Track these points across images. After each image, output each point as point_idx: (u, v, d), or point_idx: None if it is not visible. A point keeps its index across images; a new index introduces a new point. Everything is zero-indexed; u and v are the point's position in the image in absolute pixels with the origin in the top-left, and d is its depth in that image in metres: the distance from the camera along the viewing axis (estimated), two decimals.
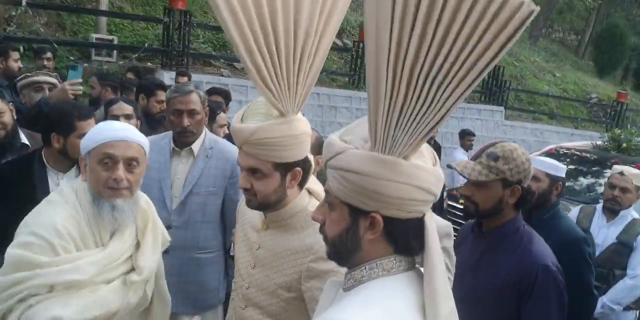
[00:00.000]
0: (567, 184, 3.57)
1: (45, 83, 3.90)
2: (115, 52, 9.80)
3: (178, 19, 9.56)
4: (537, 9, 1.08)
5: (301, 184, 1.86)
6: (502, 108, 14.01)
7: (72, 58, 8.78)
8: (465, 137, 9.03)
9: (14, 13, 8.94)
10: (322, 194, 1.58)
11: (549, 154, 6.47)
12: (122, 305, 1.99)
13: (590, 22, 24.13)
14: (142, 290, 2.10)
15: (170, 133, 3.06)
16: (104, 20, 9.94)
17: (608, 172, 5.86)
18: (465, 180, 2.36)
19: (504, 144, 2.27)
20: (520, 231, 2.31)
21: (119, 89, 5.48)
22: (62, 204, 2.01)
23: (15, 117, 3.14)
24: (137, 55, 9.63)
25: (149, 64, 9.82)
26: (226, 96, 5.22)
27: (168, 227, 2.87)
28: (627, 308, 3.72)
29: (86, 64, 6.93)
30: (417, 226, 1.25)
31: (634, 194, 3.74)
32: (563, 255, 2.38)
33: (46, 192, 2.48)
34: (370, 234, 1.24)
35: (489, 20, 1.08)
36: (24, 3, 8.40)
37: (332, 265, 1.66)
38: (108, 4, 10.15)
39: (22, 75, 4.01)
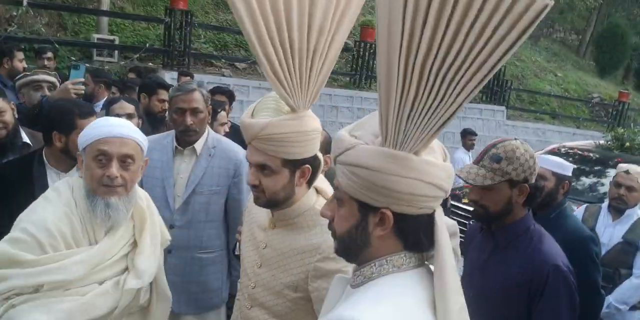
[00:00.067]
0: None
1: (44, 82, 3.87)
2: (116, 52, 9.80)
3: (179, 19, 9.56)
4: (551, 3, 1.07)
5: (310, 182, 1.84)
6: (503, 108, 14.01)
7: (73, 58, 8.77)
8: (467, 137, 9.00)
9: (15, 13, 8.93)
10: (330, 193, 1.56)
11: (551, 153, 6.45)
12: (110, 310, 1.95)
13: (591, 22, 24.11)
14: (135, 292, 2.06)
15: (172, 132, 3.04)
16: (105, 20, 9.94)
17: (611, 172, 5.88)
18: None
19: (505, 143, 2.21)
20: (530, 230, 2.27)
21: (111, 85, 5.47)
22: (56, 201, 1.99)
23: (16, 116, 3.11)
24: (138, 55, 9.63)
25: (150, 64, 9.81)
26: (230, 96, 5.20)
27: (171, 227, 2.86)
28: (634, 308, 3.69)
29: (87, 64, 6.91)
30: (428, 222, 1.25)
31: (639, 192, 3.72)
32: (569, 254, 2.34)
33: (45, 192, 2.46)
34: (380, 230, 1.24)
35: (502, 16, 1.07)
36: (25, 3, 8.39)
37: (339, 265, 1.65)
38: (109, 4, 10.14)
39: (21, 75, 3.99)
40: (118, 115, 3.37)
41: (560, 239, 2.39)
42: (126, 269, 2.05)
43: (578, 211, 4.03)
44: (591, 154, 6.69)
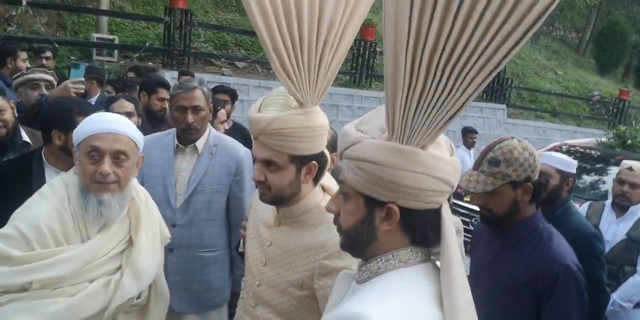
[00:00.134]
0: None
1: (42, 80, 3.85)
2: (116, 51, 9.77)
3: (179, 18, 9.54)
4: None
5: (316, 180, 1.83)
6: (504, 106, 14.01)
7: (73, 58, 8.75)
8: (468, 135, 8.98)
9: (14, 13, 8.91)
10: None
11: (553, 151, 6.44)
12: (99, 311, 1.91)
13: (591, 20, 24.08)
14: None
15: (174, 130, 3.02)
16: (104, 19, 9.92)
17: (612, 169, 5.87)
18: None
19: (502, 145, 2.17)
20: (539, 228, 2.23)
21: (104, 82, 5.45)
22: (49, 197, 1.97)
23: (16, 115, 3.10)
24: (138, 54, 9.62)
25: (150, 63, 9.80)
26: (233, 95, 5.18)
27: (172, 226, 2.85)
28: (638, 305, 3.67)
29: (87, 64, 6.90)
30: (435, 217, 1.24)
31: None
32: (574, 251, 2.33)
33: None
34: (387, 225, 1.23)
35: (510, 9, 1.06)
36: (24, 3, 8.37)
37: (345, 262, 1.64)
38: (109, 4, 10.13)
39: (18, 73, 3.96)
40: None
41: (564, 236, 2.37)
42: (120, 267, 2.01)
43: (581, 209, 4.01)
44: (593, 152, 6.67)
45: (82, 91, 3.71)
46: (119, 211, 2.00)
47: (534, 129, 14.75)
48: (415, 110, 1.16)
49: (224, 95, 5.04)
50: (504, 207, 2.20)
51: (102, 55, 9.57)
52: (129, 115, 3.59)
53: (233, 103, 5.22)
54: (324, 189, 1.88)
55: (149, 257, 2.06)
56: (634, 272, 3.63)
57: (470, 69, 1.11)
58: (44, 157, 2.61)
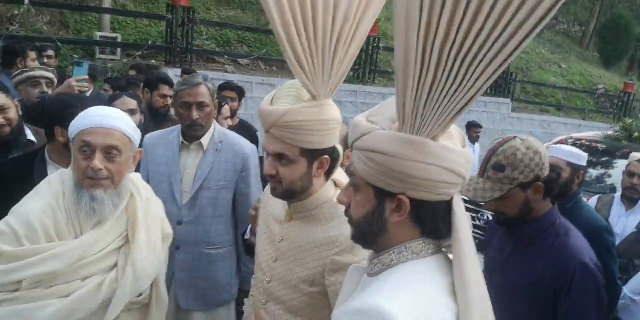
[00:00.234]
0: None
1: (42, 78, 3.82)
2: (119, 50, 9.78)
3: (181, 15, 9.54)
4: None
5: (328, 174, 1.81)
6: (508, 100, 13.94)
7: (76, 56, 8.75)
8: (472, 129, 8.97)
9: (16, 12, 8.91)
10: None
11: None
12: (97, 310, 1.88)
13: (595, 13, 23.95)
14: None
15: (178, 127, 3.00)
16: (107, 18, 9.92)
17: (619, 162, 5.83)
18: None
19: (504, 147, 2.07)
20: (556, 224, 2.16)
21: (98, 78, 5.43)
22: (44, 193, 1.94)
23: (21, 113, 3.08)
24: (140, 53, 9.61)
25: (153, 61, 9.81)
26: (240, 92, 5.16)
27: (179, 223, 2.83)
28: None
29: (91, 62, 6.90)
30: (446, 209, 1.23)
31: None
32: None
33: None
34: (397, 217, 1.23)
35: (521, 0, 1.05)
36: (26, 2, 8.37)
37: (357, 258, 1.62)
38: (111, 2, 10.13)
39: (18, 71, 3.95)
40: None
41: None
42: (116, 265, 1.97)
43: (590, 202, 3.99)
44: (599, 145, 6.63)
45: (86, 89, 3.70)
46: (112, 208, 1.96)
47: (539, 123, 14.68)
48: (426, 101, 1.15)
49: (231, 93, 5.02)
50: (515, 210, 2.13)
51: (105, 53, 9.58)
52: (131, 112, 3.58)
53: (240, 100, 5.20)
54: (336, 184, 1.86)
55: (148, 255, 2.02)
56: None
57: (481, 61, 1.10)
58: (47, 155, 2.59)
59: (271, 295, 1.83)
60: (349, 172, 1.91)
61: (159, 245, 2.12)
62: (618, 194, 3.89)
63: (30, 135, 3.11)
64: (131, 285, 1.94)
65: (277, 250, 1.84)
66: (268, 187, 1.86)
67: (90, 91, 5.46)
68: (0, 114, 2.89)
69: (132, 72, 6.84)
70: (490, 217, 5.24)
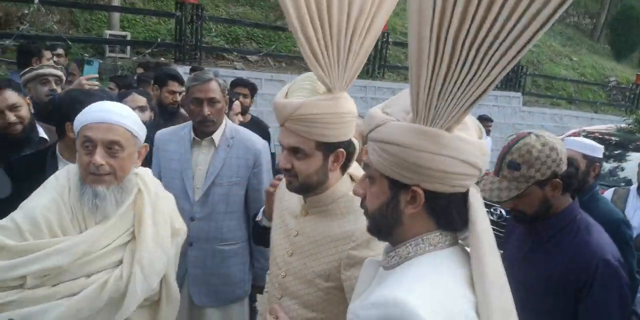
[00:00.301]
0: None
1: (51, 75, 3.82)
2: (128, 48, 9.79)
3: (190, 13, 9.55)
4: None
5: (343, 168, 1.79)
6: (519, 94, 13.84)
7: (86, 55, 8.78)
8: (483, 123, 8.82)
9: (26, 11, 8.95)
10: None
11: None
12: (96, 310, 1.86)
13: (605, 5, 23.72)
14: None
15: (190, 123, 2.99)
16: (116, 16, 9.94)
17: (632, 155, 5.76)
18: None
19: (519, 145, 2.03)
20: (577, 220, 2.10)
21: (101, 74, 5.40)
22: (51, 188, 1.94)
23: (32, 111, 3.08)
24: (150, 50, 9.62)
25: (162, 58, 9.81)
26: (252, 88, 5.15)
27: (191, 219, 2.83)
28: None
29: (101, 61, 6.92)
30: (461, 201, 1.22)
31: None
32: None
33: None
34: (412, 208, 1.22)
35: None
36: (36, 1, 8.40)
37: (373, 252, 1.61)
38: (120, 0, 10.15)
39: (27, 69, 3.96)
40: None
41: None
42: (121, 261, 1.95)
43: (605, 195, 3.94)
44: (612, 138, 6.57)
45: (96, 87, 3.70)
46: (114, 205, 1.94)
47: (550, 116, 14.57)
48: (440, 92, 1.14)
49: (244, 89, 5.01)
50: (534, 207, 2.08)
51: (114, 51, 9.59)
52: (141, 109, 3.58)
53: (252, 97, 5.19)
54: (352, 179, 1.84)
55: (156, 251, 1.99)
56: None
57: (495, 51, 1.09)
58: (58, 152, 2.59)
59: (286, 290, 1.82)
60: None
61: (167, 240, 2.09)
62: (634, 187, 3.85)
63: (42, 133, 3.11)
64: (141, 283, 1.92)
65: (293, 244, 1.83)
66: (283, 182, 1.85)
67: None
68: (12, 112, 2.90)
69: (140, 70, 6.84)
70: (504, 212, 5.21)
